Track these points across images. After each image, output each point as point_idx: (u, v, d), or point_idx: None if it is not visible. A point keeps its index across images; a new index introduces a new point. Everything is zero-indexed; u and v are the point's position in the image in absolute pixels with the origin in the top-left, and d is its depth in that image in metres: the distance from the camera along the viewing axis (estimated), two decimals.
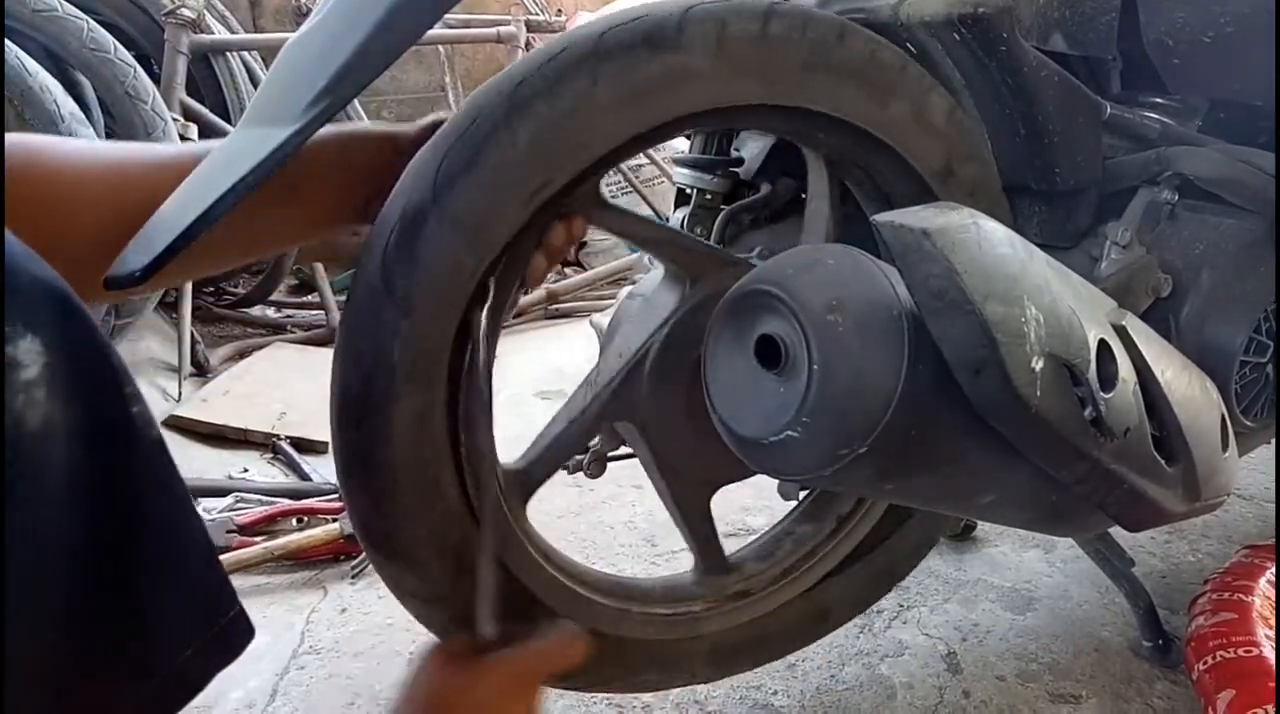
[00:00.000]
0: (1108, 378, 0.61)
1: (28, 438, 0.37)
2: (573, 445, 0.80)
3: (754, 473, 0.89)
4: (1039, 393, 0.56)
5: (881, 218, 0.56)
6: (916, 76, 0.81)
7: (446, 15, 0.71)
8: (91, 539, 0.41)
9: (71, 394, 0.39)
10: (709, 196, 1.01)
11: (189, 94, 2.28)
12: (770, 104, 0.73)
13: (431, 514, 0.69)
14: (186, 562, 0.47)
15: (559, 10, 3.04)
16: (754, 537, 1.00)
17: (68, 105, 1.74)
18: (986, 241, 0.56)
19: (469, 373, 0.69)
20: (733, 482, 0.90)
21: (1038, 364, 0.55)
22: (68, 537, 0.39)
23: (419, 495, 0.68)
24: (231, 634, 0.49)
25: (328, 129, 0.68)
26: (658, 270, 0.85)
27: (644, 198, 3.03)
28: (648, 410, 0.80)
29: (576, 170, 0.66)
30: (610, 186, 3.09)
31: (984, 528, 1.44)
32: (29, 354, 0.37)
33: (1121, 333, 0.64)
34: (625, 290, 0.90)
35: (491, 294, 0.68)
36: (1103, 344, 0.62)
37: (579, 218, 0.71)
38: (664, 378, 0.79)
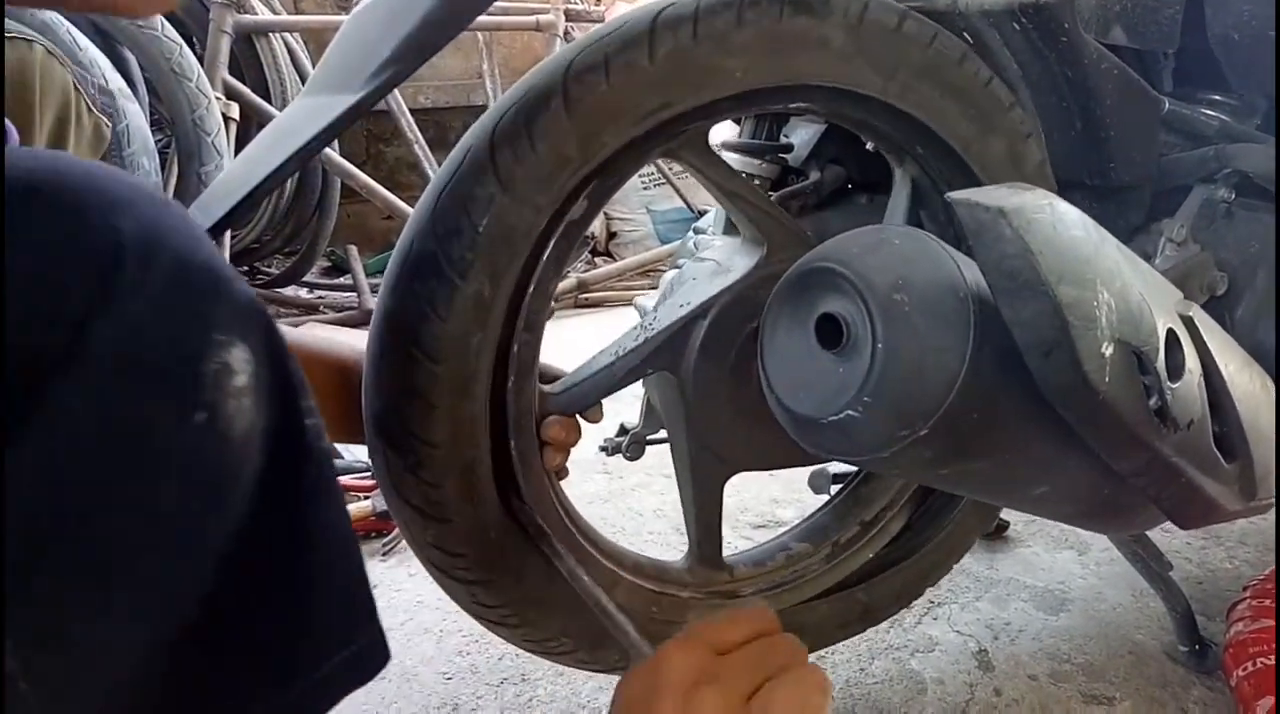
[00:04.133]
0: (1175, 368, 0.60)
1: (233, 442, 0.39)
2: (613, 383, 0.79)
3: (777, 465, 0.88)
4: (1107, 378, 0.55)
5: (957, 195, 0.56)
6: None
7: None
8: (259, 542, 0.41)
9: (265, 403, 0.40)
10: (757, 182, 1.00)
11: (231, 74, 2.30)
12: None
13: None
14: (338, 577, 0.46)
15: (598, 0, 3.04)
16: (784, 528, 0.99)
17: (115, 80, 1.75)
18: (1061, 223, 0.55)
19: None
20: (754, 470, 0.88)
21: (1108, 349, 0.55)
22: (240, 537, 0.40)
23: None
24: (368, 656, 0.48)
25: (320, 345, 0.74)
26: (720, 242, 0.84)
27: (676, 189, 3.02)
28: (694, 366, 0.79)
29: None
30: (643, 178, 3.08)
31: (1017, 528, 1.42)
32: (240, 362, 0.39)
33: (1188, 324, 0.63)
34: (683, 262, 0.89)
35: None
36: (1171, 333, 0.61)
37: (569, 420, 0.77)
38: (719, 338, 0.79)
